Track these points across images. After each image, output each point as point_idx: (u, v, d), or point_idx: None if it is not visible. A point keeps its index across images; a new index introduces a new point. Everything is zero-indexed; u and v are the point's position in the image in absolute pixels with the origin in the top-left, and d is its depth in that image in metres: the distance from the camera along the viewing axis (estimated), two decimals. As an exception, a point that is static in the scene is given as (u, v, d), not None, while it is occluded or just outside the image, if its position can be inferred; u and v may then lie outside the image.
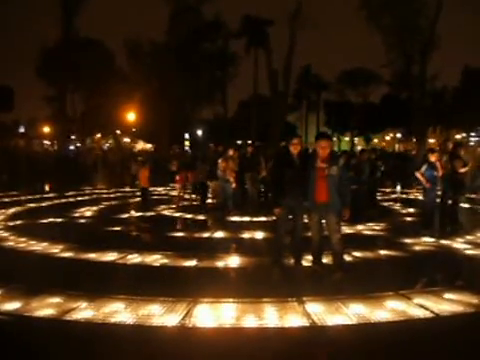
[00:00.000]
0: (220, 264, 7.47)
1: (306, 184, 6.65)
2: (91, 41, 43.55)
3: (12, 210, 13.43)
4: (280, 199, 6.82)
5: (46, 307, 5.38)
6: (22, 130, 76.48)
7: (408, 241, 8.94)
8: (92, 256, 7.91)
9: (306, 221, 6.99)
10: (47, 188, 20.87)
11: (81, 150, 41.24)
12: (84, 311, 5.26)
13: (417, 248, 8.48)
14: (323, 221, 6.83)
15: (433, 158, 10.31)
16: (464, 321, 5.09)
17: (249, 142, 37.43)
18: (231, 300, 5.49)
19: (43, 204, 15.25)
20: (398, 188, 19.17)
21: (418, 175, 10.42)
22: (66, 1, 36.38)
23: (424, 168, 10.34)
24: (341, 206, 6.59)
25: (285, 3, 63.53)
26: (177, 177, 15.67)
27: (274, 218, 7.19)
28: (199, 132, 59.29)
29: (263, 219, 11.36)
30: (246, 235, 9.77)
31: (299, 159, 6.83)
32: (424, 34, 33.76)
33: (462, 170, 10.68)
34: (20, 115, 71.64)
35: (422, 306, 5.39)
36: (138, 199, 15.70)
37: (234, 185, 12.72)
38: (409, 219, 11.84)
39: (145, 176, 14.89)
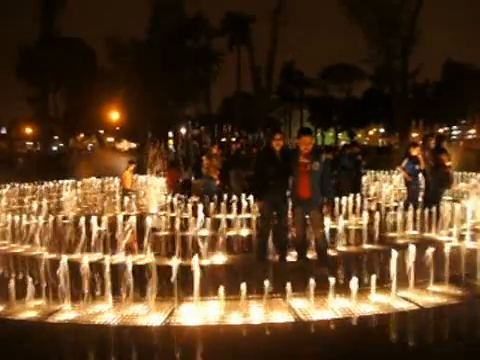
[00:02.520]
0: (204, 262, 7.43)
1: (289, 180, 6.67)
2: (72, 40, 43.16)
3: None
4: (262, 194, 6.82)
5: (29, 310, 5.32)
6: (4, 131, 75.72)
7: (392, 235, 8.99)
8: (75, 257, 7.84)
9: (290, 217, 6.98)
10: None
11: (63, 151, 40.86)
12: (68, 313, 5.21)
13: (401, 241, 8.53)
14: (307, 216, 6.85)
15: (415, 152, 10.38)
16: (448, 313, 5.14)
17: (233, 139, 37.31)
18: (216, 298, 5.46)
19: (25, 206, 15.06)
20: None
21: (400, 169, 10.49)
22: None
23: (405, 162, 10.41)
24: (323, 200, 6.65)
25: (267, -1, 63.59)
26: (165, 176, 15.63)
27: (258, 215, 7.18)
28: (183, 130, 59.07)
29: (248, 216, 11.33)
30: (230, 232, 9.73)
31: (281, 155, 6.84)
32: (405, 29, 34.02)
33: (448, 163, 10.72)
34: (1, 116, 70.89)
35: (406, 299, 5.43)
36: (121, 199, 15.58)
37: (218, 182, 12.71)
38: (393, 213, 11.90)
39: (126, 178, 14.72)
